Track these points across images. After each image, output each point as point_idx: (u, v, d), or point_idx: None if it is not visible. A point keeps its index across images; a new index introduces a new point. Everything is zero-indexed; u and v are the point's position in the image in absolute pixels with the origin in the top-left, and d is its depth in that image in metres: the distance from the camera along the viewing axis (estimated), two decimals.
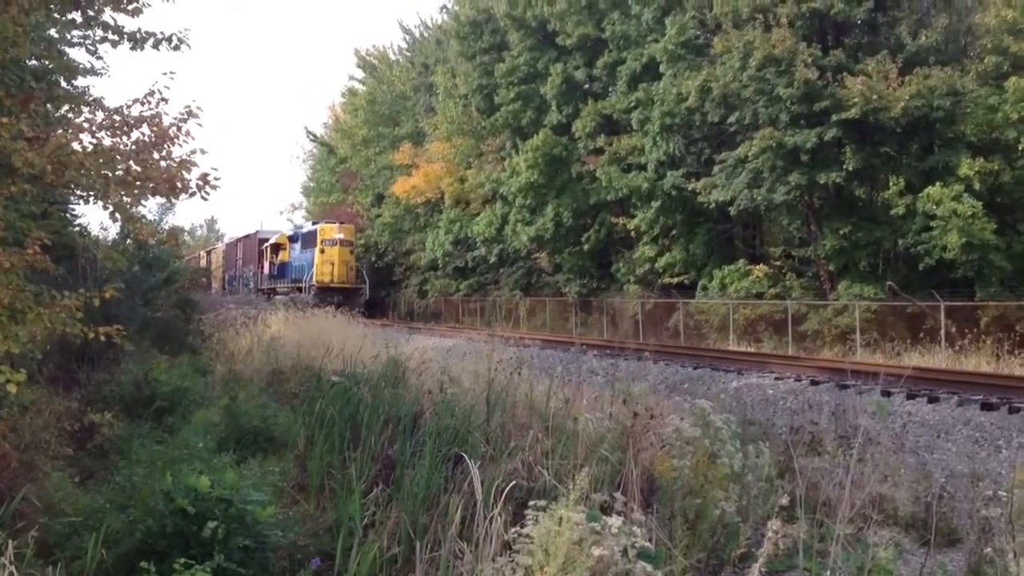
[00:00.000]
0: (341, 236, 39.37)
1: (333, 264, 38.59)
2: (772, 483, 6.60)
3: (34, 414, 8.04)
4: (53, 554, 5.74)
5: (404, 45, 56.73)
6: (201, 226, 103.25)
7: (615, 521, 3.57)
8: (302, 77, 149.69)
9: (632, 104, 30.33)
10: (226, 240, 57.05)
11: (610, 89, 32.87)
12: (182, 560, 5.19)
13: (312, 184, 67.39)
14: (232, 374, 14.05)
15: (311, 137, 66.28)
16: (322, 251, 38.68)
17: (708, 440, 6.24)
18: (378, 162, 50.75)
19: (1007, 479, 6.11)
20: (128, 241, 15.80)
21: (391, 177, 46.43)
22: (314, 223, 43.54)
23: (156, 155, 5.71)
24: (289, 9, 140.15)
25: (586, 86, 33.81)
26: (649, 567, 3.51)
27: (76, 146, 5.53)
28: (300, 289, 39.31)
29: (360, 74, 60.12)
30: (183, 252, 39.44)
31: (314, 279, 38.19)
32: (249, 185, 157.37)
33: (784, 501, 5.49)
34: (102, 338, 5.88)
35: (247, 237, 52.64)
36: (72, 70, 6.52)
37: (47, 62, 6.32)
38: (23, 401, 7.76)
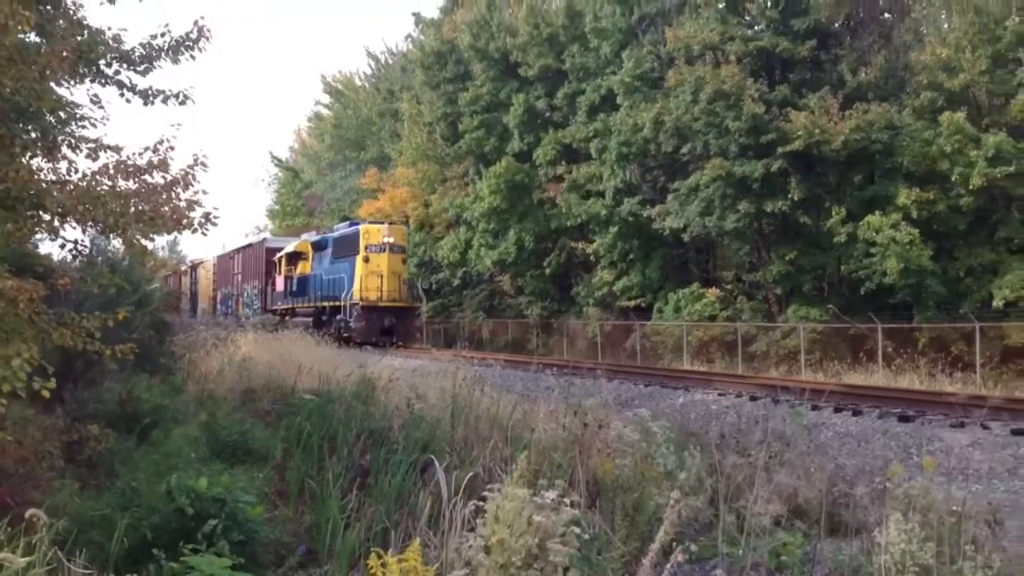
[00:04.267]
0: (391, 240, 30.75)
1: (382, 276, 30.15)
2: (702, 482, 7.53)
3: (34, 428, 8.75)
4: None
5: (370, 71, 57.53)
6: (163, 248, 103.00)
7: (551, 494, 4.47)
8: (267, 101, 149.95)
9: (591, 134, 31.33)
10: (219, 253, 48.38)
11: (570, 119, 33.84)
12: (190, 546, 5.95)
13: (277, 207, 67.85)
14: (205, 393, 14.53)
15: (276, 162, 66.84)
16: (366, 259, 30.18)
17: (645, 444, 7.18)
18: (343, 186, 51.38)
19: (907, 477, 7.01)
20: (94, 267, 16.42)
21: (356, 200, 46.96)
22: (352, 223, 34.50)
23: (166, 196, 6.54)
24: (255, 34, 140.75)
25: (547, 115, 34.77)
26: (578, 530, 4.43)
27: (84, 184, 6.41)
28: (328, 310, 32.12)
29: (326, 99, 60.87)
30: (159, 271, 39.03)
31: (356, 296, 29.90)
32: (213, 207, 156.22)
33: (702, 499, 6.45)
34: (119, 355, 6.65)
35: (249, 247, 43.89)
36: (85, 119, 7.36)
37: (61, 113, 7.15)
38: (25, 415, 8.48)
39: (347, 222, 36.04)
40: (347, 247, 31.71)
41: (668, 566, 4.03)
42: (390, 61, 54.76)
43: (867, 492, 6.83)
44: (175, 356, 19.52)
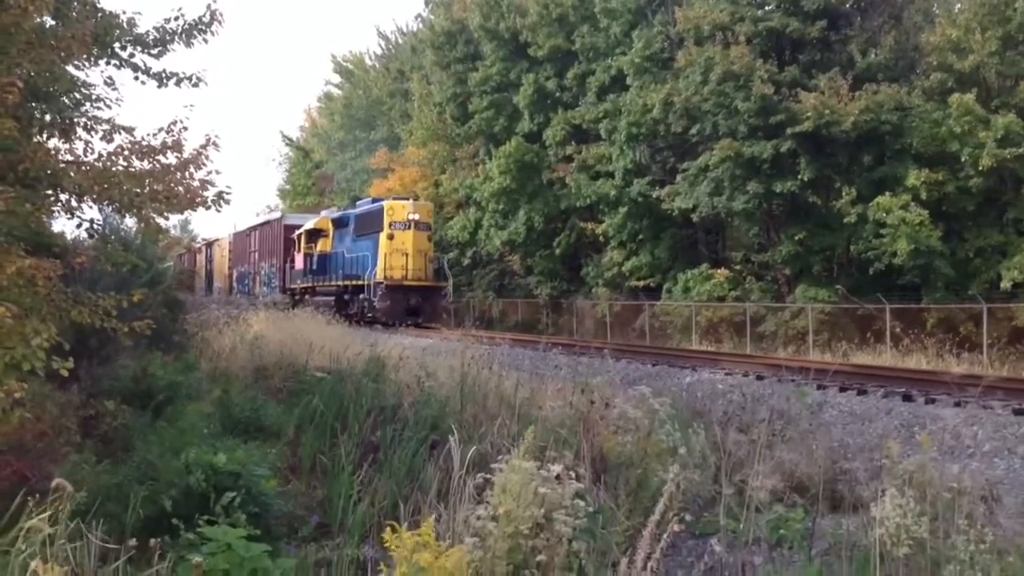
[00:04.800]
0: (416, 217, 29.39)
1: (407, 255, 28.83)
2: (706, 458, 7.69)
3: (52, 404, 8.96)
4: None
5: (380, 51, 57.51)
6: (175, 227, 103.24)
7: (556, 467, 4.63)
8: (277, 80, 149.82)
9: (601, 114, 31.35)
10: (234, 230, 46.77)
11: (580, 99, 33.92)
12: (206, 518, 6.13)
13: (288, 187, 68.03)
14: (217, 371, 14.73)
15: (287, 141, 66.94)
16: (391, 237, 28.90)
17: (648, 421, 7.35)
18: (354, 165, 51.48)
19: (907, 455, 7.14)
20: (108, 245, 16.62)
21: (367, 180, 47.08)
22: (375, 200, 33.16)
23: (180, 175, 6.70)
24: (265, 13, 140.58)
25: (557, 96, 34.79)
26: (582, 503, 4.59)
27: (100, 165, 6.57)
28: (350, 289, 30.96)
29: (336, 79, 60.88)
30: (173, 249, 38.87)
31: (380, 275, 28.62)
32: (226, 185, 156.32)
33: (705, 474, 6.61)
34: (137, 332, 6.83)
35: (267, 224, 42.17)
36: (100, 100, 7.51)
37: (76, 94, 7.31)
38: (43, 391, 8.68)
39: (369, 199, 34.71)
40: (371, 224, 30.40)
41: (665, 535, 4.17)
42: (400, 41, 54.74)
43: (865, 468, 6.96)
44: (188, 334, 19.78)
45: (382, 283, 28.27)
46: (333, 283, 32.17)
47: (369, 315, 28.74)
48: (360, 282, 29.81)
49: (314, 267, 34.14)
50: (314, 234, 34.72)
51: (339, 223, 33.60)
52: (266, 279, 39.69)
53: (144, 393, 11.71)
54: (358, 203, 35.00)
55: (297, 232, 35.99)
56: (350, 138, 54.19)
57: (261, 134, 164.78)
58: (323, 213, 37.69)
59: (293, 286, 35.86)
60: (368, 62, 58.34)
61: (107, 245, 13.15)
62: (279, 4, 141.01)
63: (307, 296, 33.70)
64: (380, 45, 58.00)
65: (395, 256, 28.66)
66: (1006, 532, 6.35)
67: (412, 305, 28.35)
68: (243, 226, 46.15)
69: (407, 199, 31.51)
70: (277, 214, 44.02)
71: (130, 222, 13.71)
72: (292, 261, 36.54)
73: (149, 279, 19.32)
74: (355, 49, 73.30)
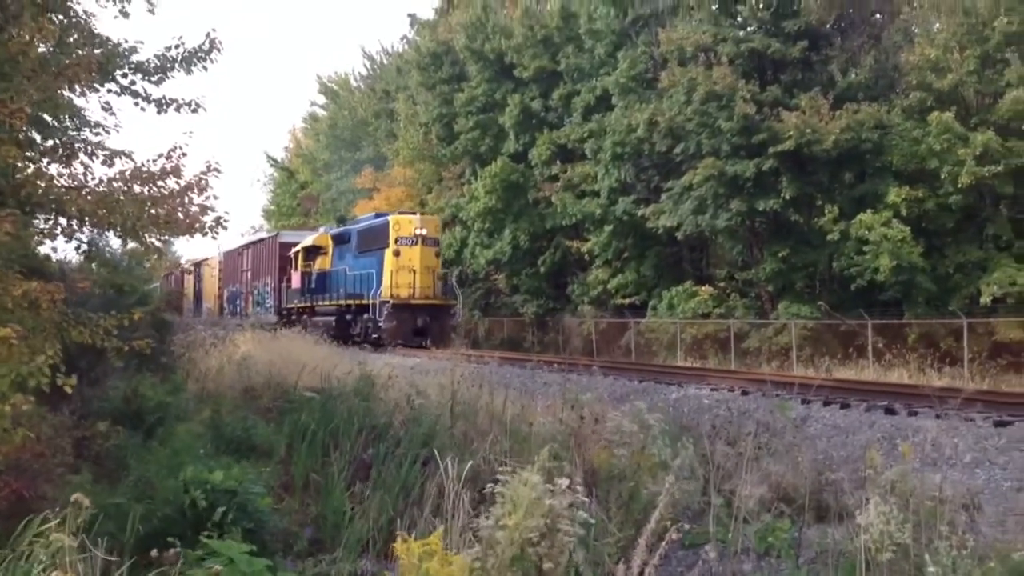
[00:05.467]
0: (424, 232, 27.83)
1: (414, 272, 27.22)
2: (694, 471, 7.86)
3: (46, 424, 9.05)
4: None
5: (365, 72, 57.76)
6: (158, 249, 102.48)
7: (563, 482, 4.80)
8: (262, 101, 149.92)
9: (586, 134, 31.67)
10: (225, 249, 45.30)
11: (565, 119, 34.16)
12: (204, 534, 6.24)
13: (273, 207, 68.10)
14: (205, 391, 14.76)
15: (271, 162, 67.06)
16: (396, 253, 27.33)
17: (642, 435, 7.51)
18: (339, 186, 51.61)
19: (889, 466, 7.31)
20: (94, 264, 16.71)
21: (353, 200, 47.18)
22: (379, 215, 31.69)
23: (179, 200, 6.84)
24: (250, 34, 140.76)
25: (542, 116, 35.05)
26: (584, 515, 4.76)
27: (105, 189, 6.72)
28: (353, 308, 29.21)
29: (322, 99, 61.09)
30: (160, 270, 38.47)
31: (386, 294, 27.06)
32: (224, 211, 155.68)
33: (695, 486, 6.77)
34: (136, 350, 6.95)
35: (260, 242, 40.93)
36: (99, 126, 7.66)
37: (76, 120, 7.46)
38: (39, 411, 8.77)
39: (372, 214, 33.35)
40: (374, 240, 28.87)
41: (663, 543, 4.33)
42: (386, 62, 55.02)
43: (850, 478, 7.14)
44: (175, 355, 19.80)
45: (388, 302, 26.79)
46: (334, 302, 30.62)
47: (374, 336, 27.30)
48: (363, 301, 28.29)
49: (312, 286, 32.77)
50: (312, 251, 33.46)
51: (340, 239, 32.17)
52: (259, 299, 38.43)
53: (134, 414, 11.75)
54: (359, 218, 33.92)
55: (294, 249, 34.68)
56: (335, 158, 54.33)
57: (246, 155, 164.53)
58: (321, 229, 36.49)
59: (290, 306, 34.59)
60: (353, 83, 58.62)
61: (101, 268, 13.28)
62: (263, 25, 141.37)
63: (305, 316, 32.55)
64: (365, 66, 58.33)
65: (401, 273, 27.16)
66: (987, 539, 6.54)
67: (419, 326, 26.91)
68: (234, 244, 45.20)
69: (413, 213, 30.17)
70: (262, 232, 43.76)
71: (116, 243, 13.77)
72: (288, 280, 35.21)
73: (136, 300, 19.41)
74: (340, 70, 73.64)
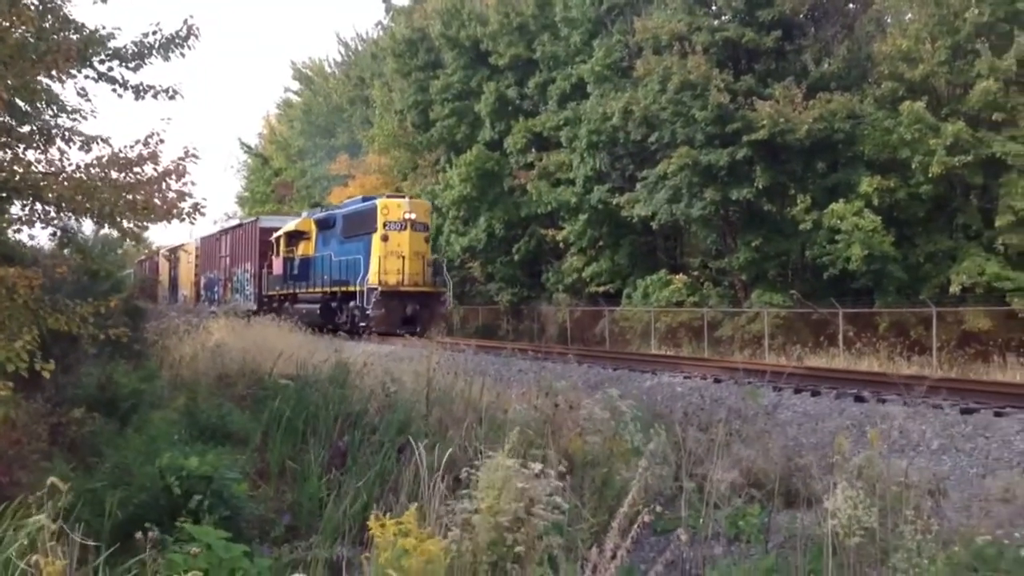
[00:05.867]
0: (413, 216, 26.86)
1: (404, 257, 26.22)
2: (667, 458, 7.97)
3: (21, 411, 9.03)
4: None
5: (340, 58, 57.53)
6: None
7: (536, 466, 4.88)
8: (236, 86, 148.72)
9: (561, 122, 31.75)
10: (201, 235, 44.03)
11: (541, 107, 34.23)
12: (181, 520, 6.27)
13: (247, 194, 67.73)
14: (179, 379, 14.74)
15: (245, 148, 66.65)
16: (385, 238, 26.33)
17: (614, 422, 7.61)
18: (314, 172, 51.41)
19: (857, 452, 7.44)
20: (66, 251, 16.62)
21: (327, 187, 47.04)
22: (366, 198, 30.32)
23: (157, 187, 6.85)
24: (223, 19, 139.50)
25: (518, 104, 35.07)
26: (558, 499, 4.85)
27: (83, 175, 6.72)
28: (339, 296, 28.30)
29: (296, 86, 60.76)
30: (135, 255, 37.95)
31: (374, 281, 26.00)
32: (201, 197, 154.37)
33: (667, 471, 6.88)
34: (113, 338, 6.97)
35: (239, 227, 39.58)
36: (76, 112, 7.63)
37: (54, 106, 7.44)
38: (15, 397, 8.76)
39: (359, 197, 32.00)
40: (361, 224, 27.82)
41: (635, 527, 4.41)
42: (360, 48, 54.79)
43: (819, 464, 7.28)
44: (148, 342, 19.71)
45: (376, 289, 25.76)
46: (318, 289, 29.70)
47: (362, 324, 26.45)
48: (350, 288, 27.28)
49: (295, 272, 31.78)
50: (295, 236, 32.49)
51: (324, 224, 31.29)
52: (239, 286, 37.38)
53: (109, 401, 11.73)
54: (345, 202, 33.02)
55: (275, 235, 33.59)
56: (310, 145, 54.09)
57: (219, 141, 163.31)
58: (304, 214, 35.54)
59: (271, 293, 33.59)
60: (328, 69, 58.38)
61: (74, 254, 13.23)
62: (237, 10, 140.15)
63: (287, 303, 31.73)
64: (340, 52, 58.13)
65: (390, 259, 26.14)
66: (952, 523, 6.69)
67: (409, 314, 25.98)
68: (211, 230, 44.34)
69: (403, 196, 29.06)
70: (235, 219, 42.15)
71: (88, 229, 13.68)
72: (270, 266, 33.99)
73: (110, 287, 19.31)
74: (315, 56, 73.15)
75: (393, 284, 25.95)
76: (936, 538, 5.63)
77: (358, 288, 26.50)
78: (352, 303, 27.24)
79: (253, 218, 39.08)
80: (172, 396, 12.94)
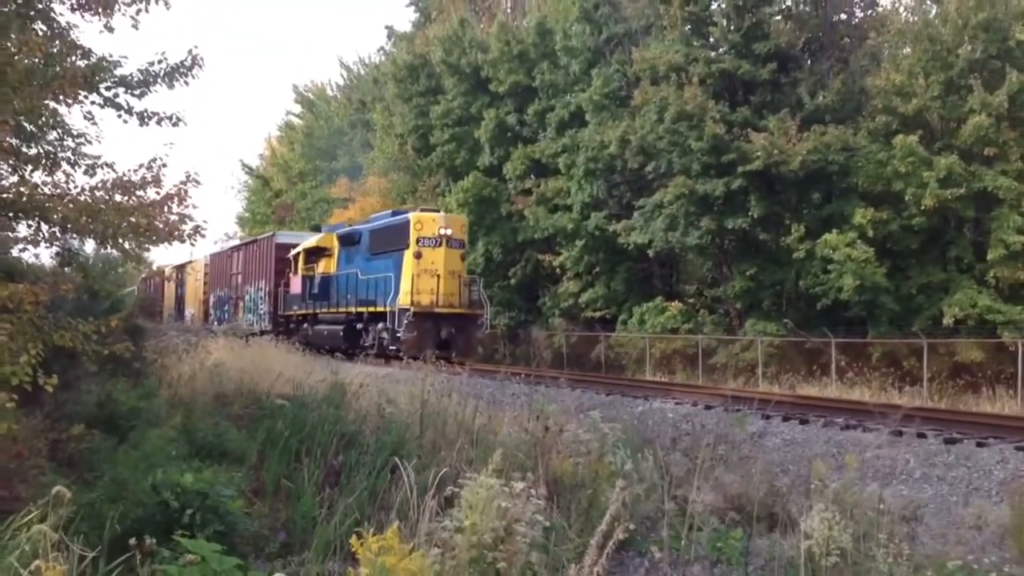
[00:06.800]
0: (449, 232, 25.16)
1: (438, 276, 24.59)
2: (654, 483, 8.15)
3: (22, 426, 9.20)
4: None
5: (342, 81, 58.00)
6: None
7: (520, 485, 5.07)
8: (238, 108, 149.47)
9: (560, 149, 32.05)
10: (210, 252, 42.32)
11: (539, 134, 34.53)
12: (178, 533, 6.44)
13: (247, 215, 68.02)
14: (176, 397, 14.86)
15: (246, 169, 67.04)
16: (418, 255, 24.71)
17: (598, 444, 7.81)
18: (314, 195, 51.70)
19: (838, 478, 7.64)
20: (67, 269, 16.80)
21: (327, 210, 47.29)
22: (396, 212, 28.72)
23: (159, 209, 7.08)
24: (225, 39, 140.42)
25: (517, 130, 35.34)
26: (541, 517, 5.04)
27: (88, 198, 6.95)
28: (365, 317, 26.53)
29: (297, 108, 61.20)
30: (136, 274, 37.56)
31: (405, 301, 24.26)
32: (203, 220, 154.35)
33: (654, 497, 7.07)
34: (117, 354, 7.16)
35: (253, 243, 37.72)
36: (81, 136, 7.88)
37: (59, 130, 7.68)
38: (17, 413, 8.93)
39: (389, 212, 30.13)
40: (392, 240, 26.08)
41: (610, 543, 4.60)
42: (362, 72, 55.26)
43: (801, 490, 7.47)
44: (147, 361, 19.81)
45: (408, 310, 23.98)
46: (341, 310, 27.83)
47: (392, 348, 24.64)
48: (377, 309, 25.51)
49: (315, 291, 30.01)
50: (315, 253, 30.83)
51: (347, 240, 29.42)
52: (251, 305, 35.34)
53: (108, 418, 11.86)
54: (371, 217, 31.49)
55: (294, 251, 31.84)
56: (311, 167, 54.45)
57: (220, 161, 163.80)
58: (325, 229, 34.13)
59: (288, 313, 31.88)
60: (330, 92, 58.85)
61: (76, 272, 13.44)
62: (240, 32, 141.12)
63: (305, 324, 30.31)
64: (342, 75, 58.63)
65: (423, 278, 24.45)
66: (926, 548, 6.88)
67: (443, 337, 24.21)
68: (222, 246, 42.85)
69: (437, 211, 27.39)
70: (266, 233, 38.53)
71: (89, 248, 13.90)
72: (287, 285, 32.29)
73: (110, 305, 19.47)
74: (317, 79, 73.70)
75: (427, 305, 24.32)
76: (909, 562, 5.82)
77: (388, 309, 24.85)
78: (380, 325, 25.60)
79: (269, 233, 37.07)
80: (170, 414, 13.05)
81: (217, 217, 76.39)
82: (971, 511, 7.65)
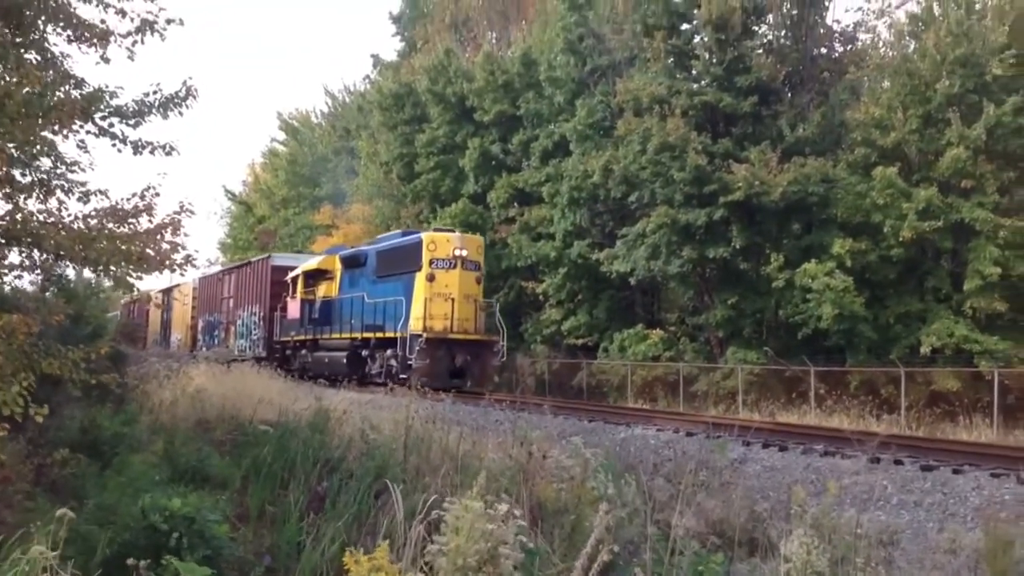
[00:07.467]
0: (464, 253, 23.78)
1: (452, 300, 23.30)
2: (636, 508, 8.27)
3: (8, 452, 9.23)
4: None
5: (326, 109, 58.25)
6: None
7: (503, 507, 5.18)
8: (221, 134, 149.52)
9: (543, 178, 32.38)
10: (199, 275, 40.13)
11: (524, 163, 34.87)
12: (168, 557, 6.51)
13: (229, 241, 67.97)
14: (158, 423, 14.85)
15: (229, 196, 67.06)
16: (431, 278, 23.39)
17: (581, 470, 7.92)
18: (297, 221, 51.77)
19: (816, 504, 7.77)
20: (48, 293, 16.81)
21: (311, 236, 47.37)
22: (406, 232, 27.70)
23: (152, 239, 7.19)
24: (209, 65, 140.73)
25: (501, 159, 35.66)
26: (524, 538, 5.15)
27: (82, 226, 7.06)
28: (372, 343, 25.14)
29: (282, 135, 61.37)
30: (118, 300, 37.25)
31: (417, 326, 22.99)
32: (194, 249, 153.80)
33: (637, 522, 7.19)
34: (104, 383, 7.25)
35: (246, 266, 36.01)
36: (75, 164, 7.99)
37: (52, 158, 7.80)
38: (3, 441, 8.97)
39: (399, 232, 29.10)
40: (402, 262, 24.77)
41: (595, 565, 4.72)
42: (348, 100, 55.55)
43: (780, 515, 7.60)
44: (128, 387, 19.75)
45: (420, 336, 22.60)
46: (345, 335, 26.40)
47: (402, 376, 22.19)
48: (386, 334, 24.07)
49: (316, 315, 28.67)
50: (315, 276, 29.50)
51: (351, 262, 28.04)
52: (244, 330, 33.94)
53: (91, 444, 11.89)
54: (378, 237, 30.56)
55: (292, 274, 30.51)
56: (294, 194, 54.55)
57: (203, 187, 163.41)
58: (327, 250, 32.86)
59: (284, 338, 30.58)
60: (314, 120, 59.07)
61: (61, 297, 13.47)
62: (222, 59, 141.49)
63: (304, 351, 29.13)
64: (327, 103, 58.88)
65: (436, 302, 23.13)
66: (902, 573, 7.03)
67: (458, 365, 23.09)
68: (213, 269, 41.74)
69: (451, 231, 25.83)
70: (260, 256, 37.23)
71: (71, 273, 13.96)
72: (283, 309, 30.84)
73: (92, 331, 19.45)
74: (301, 106, 74.00)
75: (440, 330, 23.04)
76: None
77: (398, 334, 23.27)
78: (389, 351, 24.14)
79: (264, 255, 35.77)
80: (151, 440, 13.06)
81: (199, 243, 76.26)
82: (946, 536, 7.79)
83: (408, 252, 24.67)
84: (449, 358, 22.92)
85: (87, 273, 11.52)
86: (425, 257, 23.52)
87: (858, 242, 23.73)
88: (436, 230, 26.02)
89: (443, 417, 12.24)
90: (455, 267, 23.53)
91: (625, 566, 7.51)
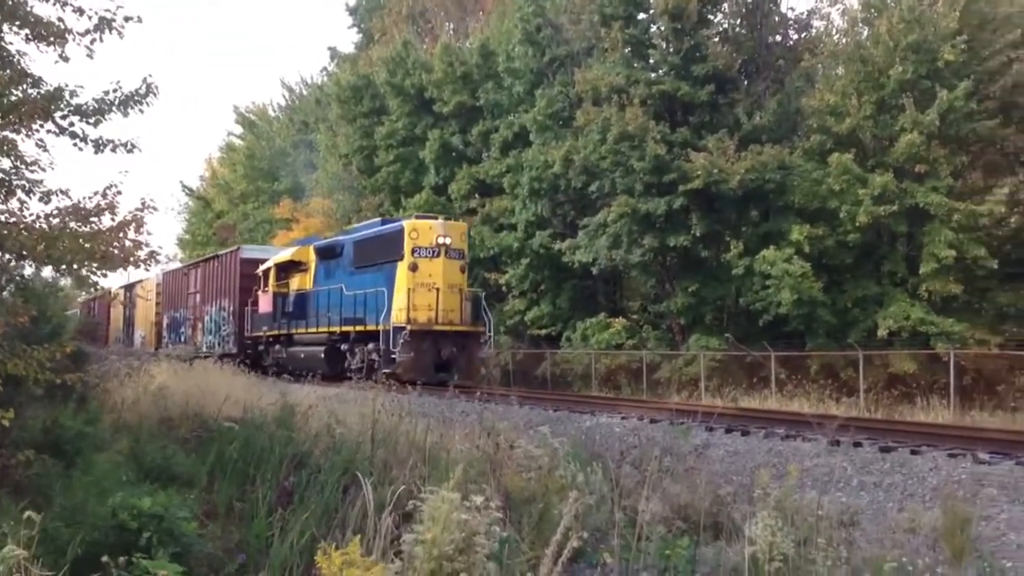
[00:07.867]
0: (447, 241, 22.74)
1: (437, 290, 22.29)
2: (603, 495, 8.39)
3: None
4: None
5: (284, 102, 57.81)
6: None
7: (478, 499, 5.26)
8: (177, 129, 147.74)
9: (504, 169, 32.49)
10: (163, 270, 38.58)
11: (484, 154, 34.95)
12: (139, 555, 6.51)
13: (188, 237, 67.30)
14: (120, 421, 14.74)
15: (187, 191, 66.35)
16: (413, 267, 22.40)
17: (549, 459, 8.02)
18: (256, 216, 51.40)
19: (779, 487, 7.93)
20: (5, 293, 16.60)
21: (270, 231, 47.09)
22: (385, 220, 26.72)
23: (115, 236, 7.16)
24: (164, 60, 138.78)
25: (462, 150, 35.69)
26: (498, 528, 5.24)
27: (44, 226, 7.01)
28: (351, 337, 24.21)
29: (239, 130, 60.83)
30: (76, 298, 36.60)
31: (400, 318, 21.99)
32: (158, 245, 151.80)
33: (604, 509, 7.31)
34: (68, 383, 7.22)
35: (214, 259, 34.65)
36: (35, 163, 7.90)
37: (12, 157, 7.70)
38: None
39: (378, 219, 27.73)
40: (382, 251, 23.72)
41: (565, 551, 4.82)
42: (305, 93, 55.18)
43: (743, 498, 7.75)
44: (89, 386, 19.54)
45: (403, 328, 21.69)
46: (322, 329, 25.36)
47: (385, 371, 21.60)
48: (366, 327, 23.23)
49: (289, 309, 27.54)
50: (288, 268, 28.34)
51: (326, 252, 26.92)
52: (212, 326, 32.71)
53: (53, 443, 11.78)
54: (356, 226, 29.61)
55: (263, 267, 29.35)
56: (252, 188, 54.13)
57: (159, 182, 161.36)
58: (299, 241, 31.91)
59: (256, 334, 29.42)
60: (272, 113, 58.61)
61: (19, 296, 13.27)
62: (177, 54, 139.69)
63: (278, 346, 28.19)
64: (284, 96, 58.41)
65: (420, 292, 22.14)
66: (863, 552, 7.20)
67: (444, 358, 22.21)
68: (176, 264, 40.53)
69: (434, 217, 24.69)
70: (229, 248, 35.28)
71: (28, 272, 13.80)
72: (255, 303, 29.69)
73: (51, 330, 19.21)
74: (258, 100, 73.32)
75: (424, 322, 22.08)
76: (848, 565, 6.12)
77: (380, 327, 22.42)
78: (371, 345, 23.25)
79: (233, 248, 34.08)
80: (115, 439, 12.96)
81: (159, 239, 75.25)
82: (906, 516, 8.00)
83: (389, 241, 23.69)
84: (434, 351, 22.18)
85: (46, 272, 11.43)
86: (407, 246, 22.62)
87: (815, 228, 24.07)
88: (418, 217, 25.07)
89: (409, 410, 12.30)
90: (439, 255, 22.62)
91: (593, 552, 7.64)
